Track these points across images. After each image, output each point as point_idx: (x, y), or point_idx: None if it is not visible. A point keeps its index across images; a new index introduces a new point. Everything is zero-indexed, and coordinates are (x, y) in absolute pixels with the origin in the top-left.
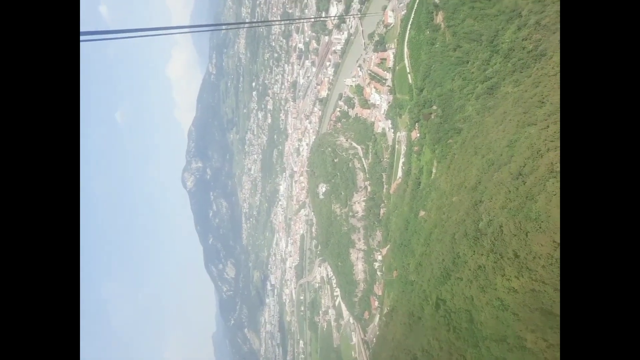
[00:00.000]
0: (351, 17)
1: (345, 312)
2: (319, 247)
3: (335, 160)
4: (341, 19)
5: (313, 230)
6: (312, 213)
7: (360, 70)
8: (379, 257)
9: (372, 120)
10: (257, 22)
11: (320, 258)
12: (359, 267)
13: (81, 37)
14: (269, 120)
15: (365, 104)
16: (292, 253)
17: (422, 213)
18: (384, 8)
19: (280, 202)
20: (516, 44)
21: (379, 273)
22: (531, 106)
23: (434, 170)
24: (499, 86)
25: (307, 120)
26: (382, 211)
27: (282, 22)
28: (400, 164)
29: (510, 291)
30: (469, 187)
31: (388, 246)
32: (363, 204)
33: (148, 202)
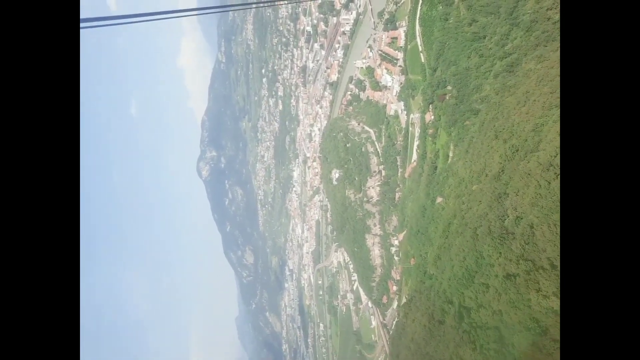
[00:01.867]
0: None
1: (364, 297)
2: (335, 233)
3: (347, 145)
4: None
5: (328, 216)
6: (327, 199)
7: (371, 51)
8: (396, 242)
9: (384, 102)
10: (264, 2)
11: (337, 243)
12: (376, 252)
13: (84, 24)
14: (280, 107)
15: (377, 86)
16: (308, 239)
17: (439, 199)
18: None
19: (294, 189)
20: (540, 15)
21: (395, 258)
22: (559, 85)
23: (450, 154)
24: (519, 63)
25: (318, 105)
26: (397, 195)
27: (290, 2)
28: (415, 147)
29: (549, 312)
30: (491, 176)
31: (404, 232)
32: (377, 188)
33: (165, 194)
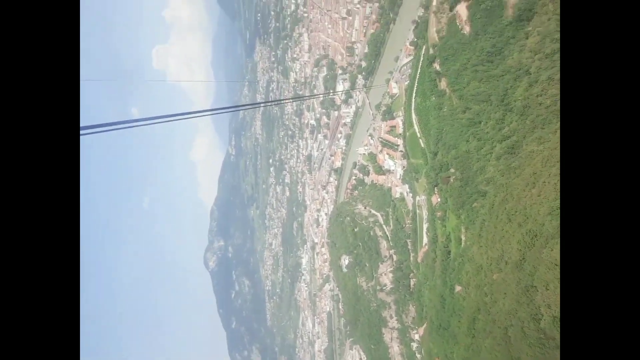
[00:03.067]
0: (357, 91)
1: None
2: (348, 327)
3: (355, 230)
4: (348, 94)
5: (340, 307)
6: (337, 288)
7: (372, 138)
8: (416, 337)
9: (389, 185)
10: (271, 101)
11: (351, 339)
12: (395, 349)
13: (107, 127)
14: (287, 193)
15: (380, 170)
16: (319, 334)
17: (458, 288)
18: (387, 80)
19: (303, 277)
20: (531, 101)
21: (418, 356)
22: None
23: (463, 238)
24: (520, 145)
25: (324, 191)
26: (412, 282)
27: (294, 100)
28: (425, 230)
29: None
30: (512, 264)
31: (424, 325)
32: (390, 275)
33: (171, 289)
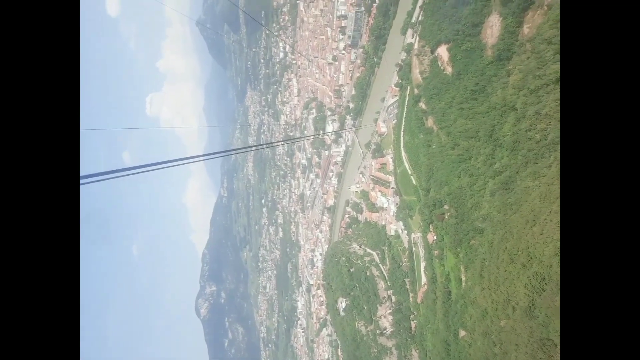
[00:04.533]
0: (346, 131)
1: None
2: None
3: (351, 270)
4: (337, 134)
5: (339, 353)
6: (335, 333)
7: (363, 176)
8: None
9: (383, 223)
10: (262, 145)
11: None
12: None
13: (100, 177)
14: (281, 234)
15: (373, 207)
16: None
17: (462, 333)
18: (375, 120)
19: (299, 322)
20: (520, 136)
21: None
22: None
23: (463, 278)
24: (514, 180)
25: (318, 230)
26: (413, 324)
27: (285, 142)
28: (422, 269)
29: None
30: (521, 311)
31: None
32: (390, 317)
33: (161, 340)
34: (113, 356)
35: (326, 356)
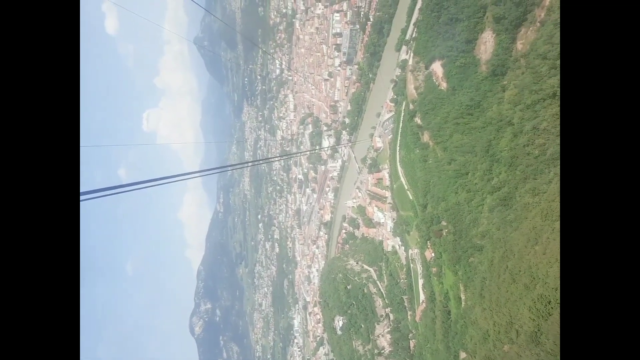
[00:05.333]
0: (342, 146)
1: None
2: None
3: (348, 287)
4: (333, 149)
5: None
6: (332, 352)
7: (359, 191)
8: None
9: (380, 238)
10: (259, 160)
11: None
12: None
13: (99, 194)
14: (277, 250)
15: (370, 223)
16: None
17: (463, 355)
18: (371, 135)
19: (295, 340)
20: (518, 151)
21: None
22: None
23: (462, 297)
24: (513, 196)
25: (315, 245)
26: (412, 343)
27: (282, 158)
28: (420, 286)
29: None
30: (525, 336)
31: None
32: (388, 336)
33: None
34: None
35: None
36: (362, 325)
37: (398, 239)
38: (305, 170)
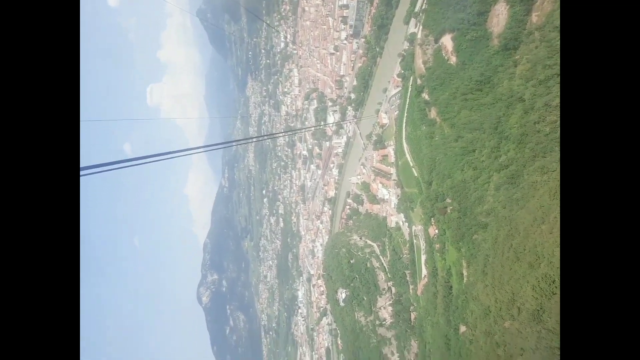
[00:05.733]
0: (348, 122)
1: None
2: None
3: (351, 261)
4: (339, 125)
5: (339, 342)
6: (335, 322)
7: (364, 168)
8: None
9: (384, 215)
10: (263, 136)
11: None
12: None
13: (100, 169)
14: (281, 224)
15: (374, 199)
16: None
17: (463, 329)
18: (377, 111)
19: (300, 310)
20: (528, 129)
21: None
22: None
23: (464, 273)
24: (521, 174)
25: (319, 221)
26: (412, 316)
27: (286, 134)
28: (423, 261)
29: None
30: (527, 314)
31: None
32: (390, 308)
33: (164, 327)
34: (117, 346)
35: (326, 344)
36: (365, 298)
37: (402, 215)
38: (310, 147)
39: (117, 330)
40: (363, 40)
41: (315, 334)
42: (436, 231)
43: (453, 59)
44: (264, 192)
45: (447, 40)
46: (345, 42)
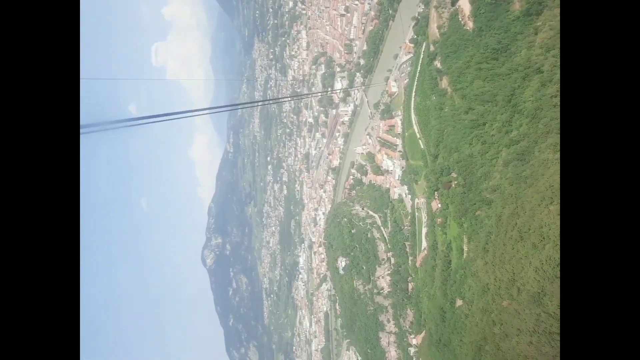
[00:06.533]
0: (355, 89)
1: None
2: (345, 330)
3: (352, 231)
4: (346, 92)
5: (337, 307)
6: (334, 289)
7: (370, 138)
8: (414, 342)
9: (387, 186)
10: (269, 100)
11: (348, 340)
12: (392, 353)
13: (107, 126)
14: (285, 192)
15: (378, 170)
16: (317, 334)
17: (459, 302)
18: (386, 79)
19: (300, 276)
20: (544, 102)
21: None
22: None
23: (465, 249)
24: (531, 151)
25: (322, 190)
26: (410, 286)
27: (292, 99)
28: (424, 234)
29: None
30: (527, 295)
31: (423, 334)
32: (388, 278)
33: (169, 287)
34: (124, 302)
35: (325, 309)
36: (364, 267)
37: (405, 187)
38: (316, 114)
39: (124, 284)
40: (375, 1)
41: (314, 298)
42: (439, 205)
43: (470, 24)
44: (268, 158)
45: (464, 3)
46: (356, 2)
